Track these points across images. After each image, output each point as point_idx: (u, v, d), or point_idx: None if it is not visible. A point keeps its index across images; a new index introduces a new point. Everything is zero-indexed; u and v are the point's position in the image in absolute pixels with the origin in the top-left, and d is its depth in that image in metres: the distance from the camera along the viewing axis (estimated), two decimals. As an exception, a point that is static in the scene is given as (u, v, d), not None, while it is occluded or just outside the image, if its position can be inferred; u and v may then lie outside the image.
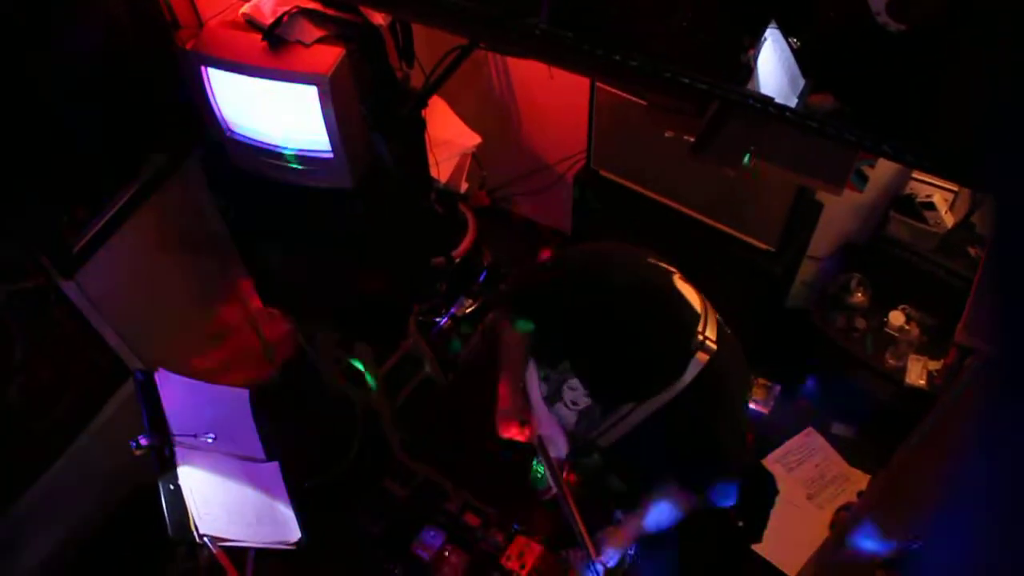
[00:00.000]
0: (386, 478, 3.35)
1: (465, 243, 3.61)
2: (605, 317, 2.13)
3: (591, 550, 2.38)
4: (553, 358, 2.44)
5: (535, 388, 2.52)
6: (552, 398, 2.48)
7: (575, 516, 2.39)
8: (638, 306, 2.14)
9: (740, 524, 3.15)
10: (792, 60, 1.77)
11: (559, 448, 2.51)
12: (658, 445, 2.30)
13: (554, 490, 2.53)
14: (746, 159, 1.80)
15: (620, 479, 2.62)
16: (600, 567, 2.39)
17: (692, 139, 1.78)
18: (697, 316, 2.15)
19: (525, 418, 2.52)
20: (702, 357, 2.12)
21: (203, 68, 2.58)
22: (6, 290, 2.65)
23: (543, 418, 2.51)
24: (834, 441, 3.28)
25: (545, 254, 3.90)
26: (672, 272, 2.23)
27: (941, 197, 3.27)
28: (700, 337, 2.13)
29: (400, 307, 3.16)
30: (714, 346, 2.14)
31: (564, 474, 2.53)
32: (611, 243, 2.42)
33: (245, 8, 2.62)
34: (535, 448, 2.54)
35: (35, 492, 2.92)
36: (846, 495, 3.13)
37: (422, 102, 2.81)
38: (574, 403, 2.43)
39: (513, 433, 2.53)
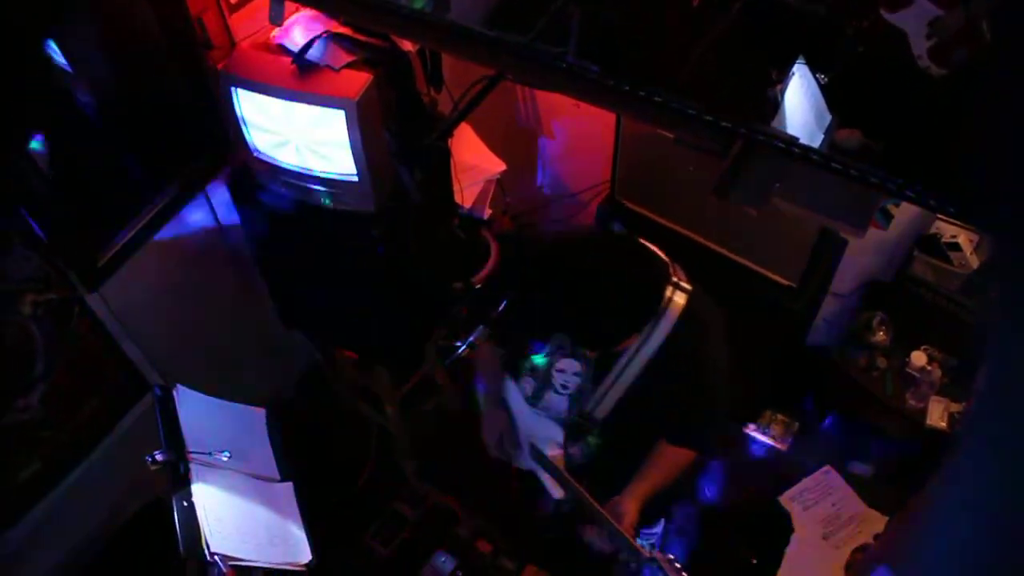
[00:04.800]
0: (396, 500, 3.35)
1: (487, 269, 3.60)
2: (580, 261, 2.20)
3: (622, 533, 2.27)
4: (541, 330, 2.47)
5: (515, 397, 2.56)
6: (538, 394, 2.51)
7: (588, 497, 2.34)
8: (607, 246, 2.28)
9: (754, 562, 3.12)
10: (819, 95, 1.77)
11: (553, 443, 2.51)
12: (652, 403, 2.35)
13: (556, 495, 2.53)
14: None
15: (617, 455, 2.58)
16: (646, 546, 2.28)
17: (716, 175, 1.77)
18: (665, 263, 2.26)
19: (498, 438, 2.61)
20: (680, 298, 2.21)
21: (232, 88, 2.60)
22: (31, 300, 2.68)
23: (528, 421, 2.54)
24: (852, 481, 3.23)
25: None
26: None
27: (966, 238, 3.26)
28: (674, 278, 2.24)
29: (419, 332, 3.16)
30: (689, 287, 2.25)
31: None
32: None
33: (276, 31, 2.65)
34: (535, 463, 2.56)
35: (49, 501, 2.93)
36: (863, 536, 3.08)
37: (447, 133, 2.82)
38: (564, 386, 2.46)
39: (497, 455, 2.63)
